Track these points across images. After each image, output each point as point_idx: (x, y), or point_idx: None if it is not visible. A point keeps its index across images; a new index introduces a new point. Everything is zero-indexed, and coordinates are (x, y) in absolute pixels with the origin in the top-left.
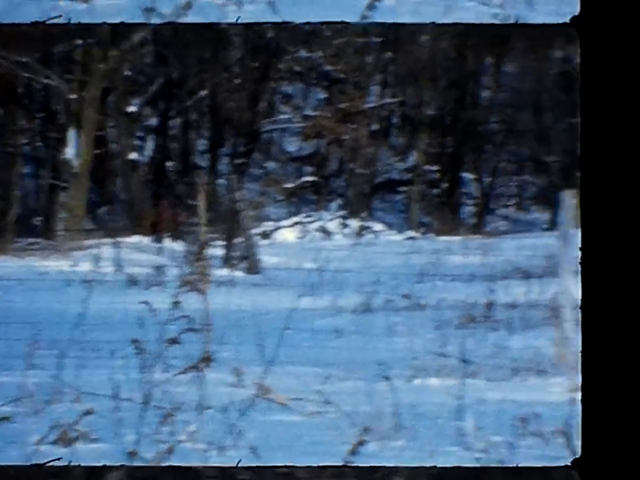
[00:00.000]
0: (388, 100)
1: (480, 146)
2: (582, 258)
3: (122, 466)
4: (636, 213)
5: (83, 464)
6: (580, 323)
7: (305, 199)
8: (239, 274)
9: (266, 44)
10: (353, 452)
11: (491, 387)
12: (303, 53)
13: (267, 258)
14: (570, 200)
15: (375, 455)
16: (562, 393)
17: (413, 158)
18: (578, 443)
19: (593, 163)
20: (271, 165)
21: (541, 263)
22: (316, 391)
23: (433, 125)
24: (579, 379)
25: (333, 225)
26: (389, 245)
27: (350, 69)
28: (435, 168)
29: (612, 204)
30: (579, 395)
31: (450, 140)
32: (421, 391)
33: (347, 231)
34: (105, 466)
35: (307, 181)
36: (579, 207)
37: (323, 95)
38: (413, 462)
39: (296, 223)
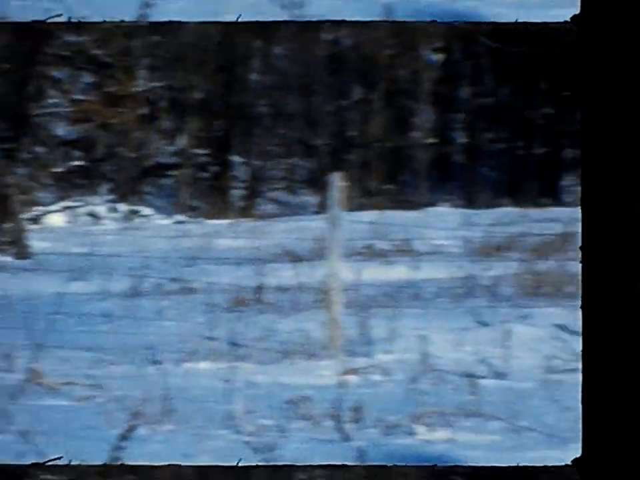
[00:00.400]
0: (156, 84)
1: (249, 129)
2: (582, 257)
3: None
4: (637, 212)
5: (83, 463)
6: (580, 323)
7: (74, 183)
8: (8, 259)
9: (33, 28)
10: (124, 437)
11: (260, 370)
12: (71, 38)
13: (37, 243)
14: (338, 182)
15: (145, 439)
16: (331, 376)
17: (182, 142)
18: (347, 426)
19: (593, 162)
20: (40, 149)
21: (310, 246)
22: (86, 375)
23: (201, 108)
24: (348, 362)
25: (102, 209)
26: (159, 228)
27: (117, 52)
28: (204, 152)
29: (612, 204)
30: (348, 378)
31: (219, 123)
32: (190, 375)
33: (116, 215)
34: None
35: (76, 165)
36: (347, 189)
37: (91, 79)
38: (182, 446)
39: (65, 208)
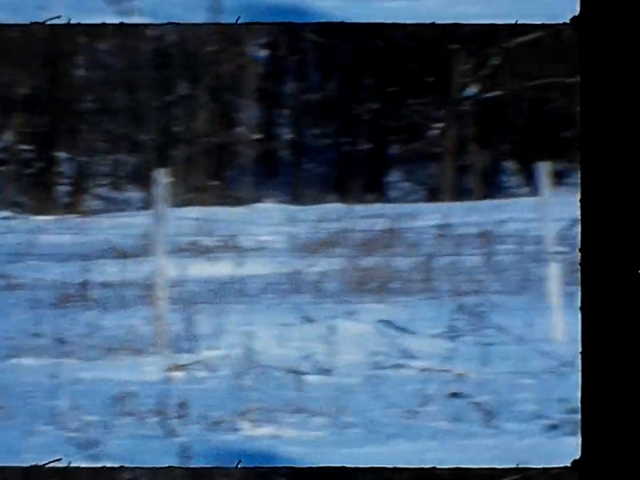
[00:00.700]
0: None
1: (74, 125)
2: (582, 258)
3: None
4: (636, 213)
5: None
6: (580, 324)
7: None
8: None
9: None
10: None
11: (85, 366)
12: None
13: None
14: (163, 178)
15: None
16: (157, 371)
17: (7, 137)
18: (172, 422)
19: (593, 162)
20: None
21: (135, 242)
22: None
23: (27, 104)
24: (174, 358)
25: None
26: None
27: None
28: (29, 147)
29: (612, 204)
30: (173, 374)
31: (44, 119)
32: (15, 371)
33: None
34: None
35: None
36: (172, 185)
37: None
38: (7, 442)
39: None
